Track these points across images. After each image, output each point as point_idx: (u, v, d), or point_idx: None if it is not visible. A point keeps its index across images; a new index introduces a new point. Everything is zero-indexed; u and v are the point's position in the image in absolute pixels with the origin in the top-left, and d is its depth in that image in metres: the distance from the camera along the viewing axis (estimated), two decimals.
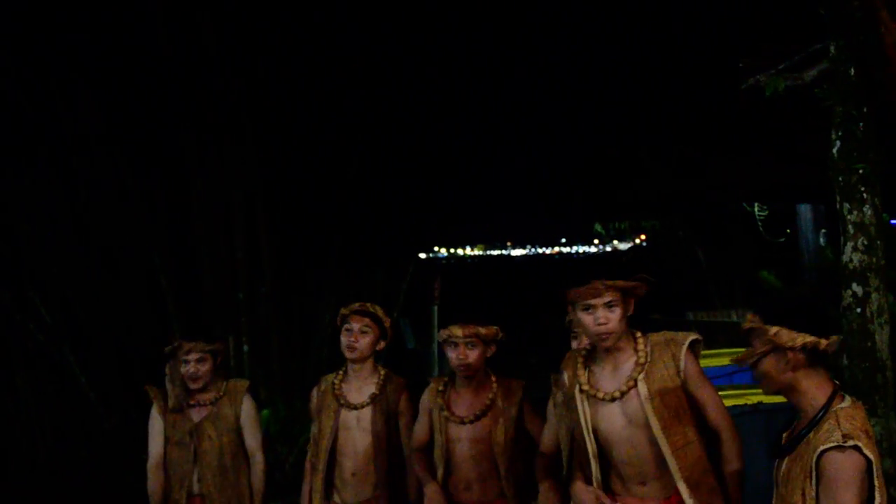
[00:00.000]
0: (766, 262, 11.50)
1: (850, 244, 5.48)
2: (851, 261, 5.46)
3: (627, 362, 3.53)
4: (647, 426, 3.43)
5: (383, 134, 10.73)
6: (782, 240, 12.67)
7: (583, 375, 3.60)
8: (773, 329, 2.91)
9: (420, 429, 4.43)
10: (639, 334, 3.57)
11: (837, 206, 5.56)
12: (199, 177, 9.84)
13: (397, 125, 10.96)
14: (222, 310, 9.79)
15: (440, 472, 4.31)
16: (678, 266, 14.51)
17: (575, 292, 3.52)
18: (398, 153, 11.18)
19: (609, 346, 3.51)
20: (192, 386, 4.73)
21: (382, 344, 4.62)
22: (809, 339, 2.88)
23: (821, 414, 2.87)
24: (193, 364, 4.71)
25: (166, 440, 4.75)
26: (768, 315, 2.95)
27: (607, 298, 3.47)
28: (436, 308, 10.06)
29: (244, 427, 4.82)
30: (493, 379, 4.36)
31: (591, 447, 3.56)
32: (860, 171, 5.44)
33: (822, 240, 11.02)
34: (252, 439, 4.84)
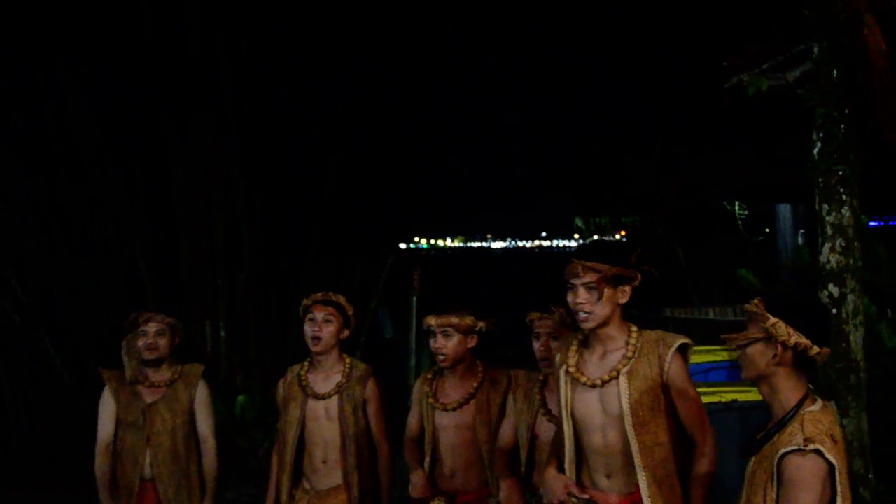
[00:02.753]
0: (744, 261, 11.54)
1: (827, 245, 5.50)
2: (829, 262, 5.49)
3: (615, 353, 3.53)
4: (621, 419, 3.44)
5: (366, 124, 10.72)
6: (761, 239, 12.74)
7: (572, 358, 3.61)
8: (773, 319, 2.91)
9: (412, 418, 4.47)
10: (634, 328, 3.57)
11: (816, 207, 5.59)
12: (180, 162, 9.81)
13: (381, 115, 10.95)
14: (201, 295, 9.77)
15: (427, 460, 4.36)
16: (657, 263, 14.55)
17: (563, 271, 3.56)
18: (381, 143, 11.17)
19: (589, 327, 3.51)
20: (148, 356, 4.65)
21: (346, 332, 4.60)
22: (803, 340, 2.89)
23: (788, 416, 2.88)
24: (152, 335, 4.66)
25: (118, 423, 4.69)
26: (773, 305, 2.96)
27: (586, 279, 3.48)
28: (415, 298, 10.06)
29: (197, 412, 4.78)
30: (480, 368, 4.38)
31: (567, 429, 3.58)
32: (840, 173, 5.47)
33: (800, 240, 11.08)
34: (205, 425, 4.79)
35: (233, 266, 9.87)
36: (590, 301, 3.48)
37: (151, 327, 4.67)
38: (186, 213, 9.83)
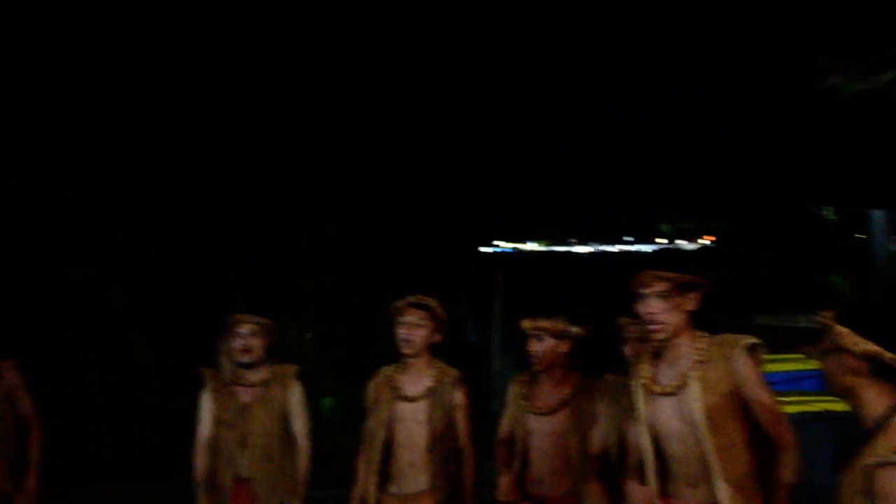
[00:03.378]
0: (836, 267, 11.30)
1: None
2: None
3: (684, 358, 3.53)
4: (697, 423, 3.44)
5: (449, 127, 10.76)
6: (853, 245, 12.45)
7: (645, 369, 3.64)
8: (839, 329, 2.88)
9: (504, 421, 4.54)
10: (700, 334, 3.57)
11: None
12: (268, 165, 9.96)
13: (463, 119, 10.98)
14: (288, 297, 9.90)
15: (516, 464, 4.38)
16: (745, 269, 14.31)
17: (633, 282, 3.58)
18: (464, 147, 11.19)
19: (661, 338, 3.53)
20: (243, 359, 4.75)
21: (438, 337, 4.64)
22: (872, 348, 2.84)
23: (876, 427, 2.82)
24: (246, 336, 4.75)
25: (216, 421, 4.79)
26: (842, 316, 2.93)
27: (657, 288, 3.49)
28: (498, 302, 10.06)
29: (291, 412, 4.86)
30: (577, 376, 4.38)
31: (645, 441, 3.59)
32: None
33: (893, 246, 10.80)
34: (299, 424, 4.87)
35: (319, 269, 9.99)
36: (661, 310, 3.50)
37: (244, 329, 4.77)
38: (273, 216, 9.98)
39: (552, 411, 4.33)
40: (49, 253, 9.74)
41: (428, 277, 10.08)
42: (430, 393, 4.57)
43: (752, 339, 3.50)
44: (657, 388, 3.55)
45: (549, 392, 4.38)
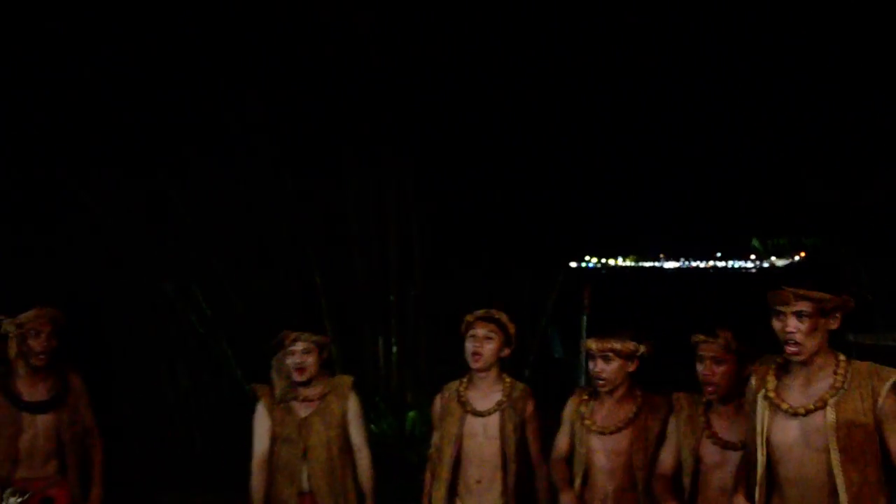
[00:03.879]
0: None
1: None
2: None
3: (822, 381, 3.36)
4: (825, 451, 3.28)
5: (537, 142, 10.72)
6: None
7: (771, 382, 3.47)
8: None
9: (561, 438, 4.44)
10: (842, 357, 3.41)
11: None
12: (355, 177, 10.04)
13: (557, 133, 10.93)
14: (373, 310, 9.96)
15: (577, 483, 4.31)
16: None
17: (769, 296, 3.41)
18: (552, 161, 11.14)
19: (799, 359, 3.36)
20: (298, 378, 4.75)
21: (507, 351, 4.63)
22: None
23: None
24: (300, 354, 4.74)
25: (273, 438, 4.79)
26: None
27: (797, 307, 3.32)
28: (585, 317, 9.96)
29: (350, 423, 4.86)
30: (639, 393, 4.31)
31: (761, 457, 3.43)
32: None
33: None
34: (358, 435, 4.87)
35: (405, 282, 10.03)
36: (801, 331, 3.32)
37: (299, 346, 4.75)
38: (360, 229, 10.05)
39: (616, 430, 4.25)
40: (129, 260, 9.93)
41: (515, 292, 10.06)
42: (502, 407, 4.53)
43: None
44: (785, 406, 3.38)
45: (612, 411, 4.30)
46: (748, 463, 3.55)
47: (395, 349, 9.86)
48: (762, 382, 3.50)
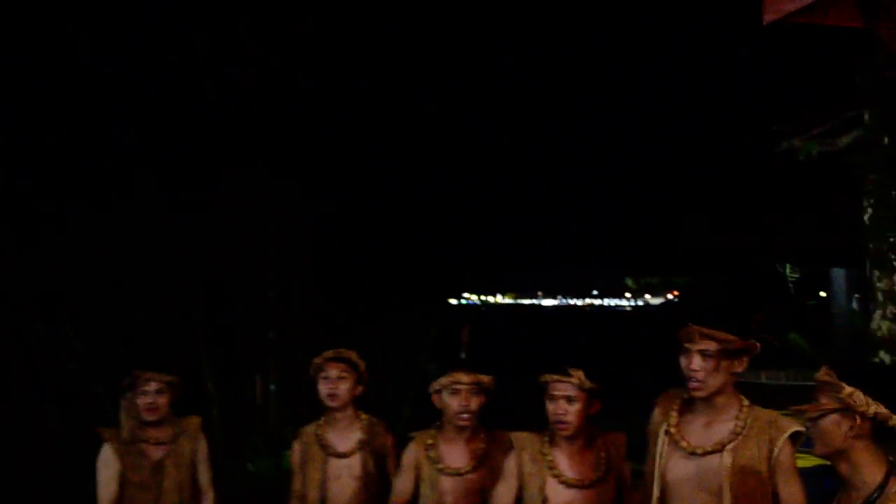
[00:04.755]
0: (797, 325, 11.42)
1: (878, 311, 5.49)
2: (880, 328, 5.47)
3: (722, 425, 3.39)
4: (718, 495, 3.31)
5: (417, 177, 10.83)
6: (814, 303, 12.60)
7: (674, 417, 3.49)
8: (848, 389, 2.80)
9: (404, 484, 4.32)
10: (745, 402, 3.43)
11: (867, 273, 5.59)
12: (233, 211, 9.94)
13: (434, 170, 11.06)
14: (252, 348, 9.87)
15: None
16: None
17: (678, 332, 3.43)
18: (430, 199, 11.26)
19: (700, 395, 3.38)
20: (149, 418, 4.60)
21: (360, 388, 4.62)
22: (883, 410, 2.77)
23: (875, 495, 2.74)
24: (152, 395, 4.60)
25: (123, 482, 4.59)
26: (844, 374, 2.84)
27: (701, 346, 3.34)
28: (463, 355, 10.09)
29: (199, 464, 4.76)
30: (484, 429, 4.32)
31: (655, 492, 3.46)
32: (891, 239, 5.46)
33: (854, 305, 10.95)
34: (205, 477, 4.78)
35: (284, 320, 9.98)
36: (704, 369, 3.34)
37: (152, 387, 4.62)
38: (239, 266, 9.96)
39: (473, 469, 4.19)
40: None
41: (396, 329, 10.10)
42: (363, 445, 4.54)
43: (798, 427, 3.32)
44: (684, 444, 3.40)
45: (462, 450, 4.24)
46: (643, 495, 3.56)
47: (272, 387, 9.78)
48: (665, 416, 3.52)
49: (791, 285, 12.60)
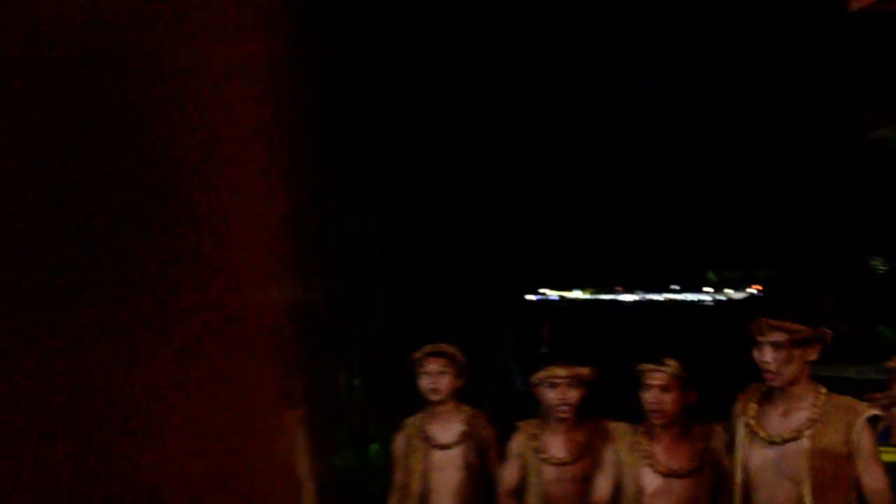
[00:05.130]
0: (885, 318, 11.18)
1: None
2: None
3: (800, 412, 3.45)
4: (798, 482, 3.36)
5: (497, 175, 10.86)
6: None
7: (752, 409, 3.57)
8: None
9: (511, 472, 4.41)
10: (823, 389, 3.48)
11: None
12: (316, 210, 10.09)
13: (510, 168, 11.08)
14: (336, 343, 10.00)
15: None
16: (793, 318, 14.18)
17: (750, 326, 3.51)
18: (510, 195, 11.29)
19: (776, 384, 3.45)
20: None
21: (460, 382, 4.67)
22: None
23: None
24: None
25: None
26: None
27: (772, 338, 3.42)
28: (545, 349, 10.08)
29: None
30: (586, 420, 4.36)
31: (738, 478, 3.53)
32: None
33: None
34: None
35: (367, 315, 10.09)
36: (776, 360, 3.41)
37: None
38: (322, 264, 10.11)
39: (575, 460, 4.26)
40: None
41: (476, 325, 10.15)
42: (466, 437, 4.60)
43: (876, 411, 3.41)
44: (762, 434, 3.47)
45: (566, 440, 4.32)
46: (728, 486, 3.62)
47: (356, 382, 9.90)
48: (744, 409, 3.59)
49: (880, 278, 12.33)
